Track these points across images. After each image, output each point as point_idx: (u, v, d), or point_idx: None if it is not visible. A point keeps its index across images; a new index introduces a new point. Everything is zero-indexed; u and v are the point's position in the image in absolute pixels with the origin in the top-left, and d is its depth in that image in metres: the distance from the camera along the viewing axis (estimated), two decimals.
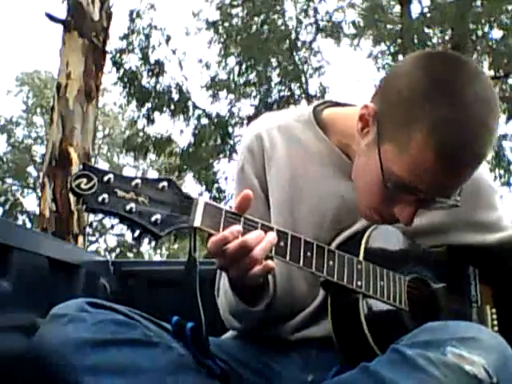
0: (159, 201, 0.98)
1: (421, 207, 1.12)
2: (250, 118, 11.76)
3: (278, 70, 11.98)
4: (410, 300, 1.20)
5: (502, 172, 11.50)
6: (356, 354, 1.03)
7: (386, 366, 0.97)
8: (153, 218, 0.96)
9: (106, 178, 0.95)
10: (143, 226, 0.96)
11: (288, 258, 1.08)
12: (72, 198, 5.90)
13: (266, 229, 1.06)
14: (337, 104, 1.36)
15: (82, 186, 0.94)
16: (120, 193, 0.96)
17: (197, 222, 1.00)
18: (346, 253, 1.16)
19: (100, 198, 0.94)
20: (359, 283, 1.14)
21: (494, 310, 1.32)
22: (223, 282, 1.24)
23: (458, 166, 1.06)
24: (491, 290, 1.34)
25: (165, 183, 0.99)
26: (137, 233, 0.98)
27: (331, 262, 1.13)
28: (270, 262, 1.05)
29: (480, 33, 10.74)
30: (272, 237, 1.05)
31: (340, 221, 1.26)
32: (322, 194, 1.27)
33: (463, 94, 1.04)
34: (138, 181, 0.97)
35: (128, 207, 0.95)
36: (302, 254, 1.09)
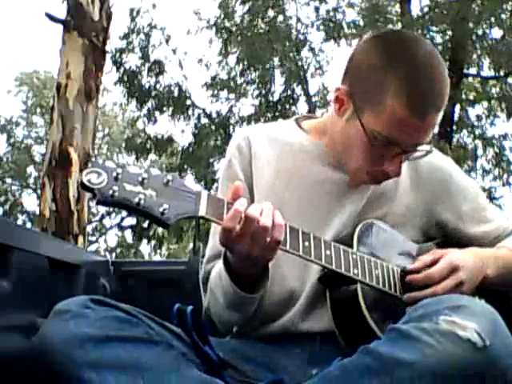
0: (165, 193, 1.05)
1: (404, 158, 1.29)
2: (251, 118, 11.77)
3: (279, 70, 11.98)
4: (403, 289, 1.26)
5: (501, 172, 11.50)
6: (360, 344, 1.05)
7: (382, 343, 1.01)
8: (161, 209, 1.03)
9: (114, 174, 1.02)
10: (153, 216, 1.03)
11: (288, 246, 1.14)
12: (72, 198, 5.91)
13: None
14: (311, 117, 1.54)
15: (93, 180, 1.01)
16: (128, 187, 1.02)
17: (202, 212, 1.08)
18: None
19: (110, 192, 1.00)
20: (356, 271, 1.21)
21: (483, 300, 1.35)
22: (220, 280, 1.26)
23: (426, 110, 1.24)
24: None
25: (169, 177, 1.07)
26: (146, 223, 1.04)
27: (328, 252, 1.19)
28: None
29: (480, 32, 10.73)
30: (267, 204, 1.13)
31: (323, 206, 1.35)
32: (307, 185, 1.36)
33: (414, 54, 1.26)
34: (145, 175, 1.04)
35: (137, 199, 1.02)
36: (300, 243, 1.16)
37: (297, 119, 1.50)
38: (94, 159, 1.06)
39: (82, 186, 1.01)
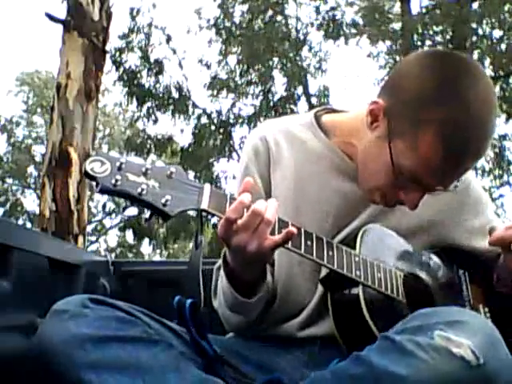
0: (168, 185, 1.05)
1: (424, 194, 1.21)
2: (251, 118, 11.77)
3: (279, 70, 11.98)
4: (406, 293, 1.24)
5: (501, 172, 11.50)
6: (360, 347, 1.04)
7: (375, 353, 0.99)
8: (163, 200, 1.03)
9: (118, 163, 1.02)
10: (154, 206, 1.03)
11: (290, 244, 1.13)
12: (72, 198, 5.91)
13: None
14: (333, 110, 1.44)
15: (96, 169, 1.01)
16: (131, 177, 1.02)
17: (204, 205, 1.08)
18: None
19: (113, 181, 1.01)
20: (358, 273, 1.19)
21: (486, 309, 1.35)
22: (222, 282, 1.26)
23: (463, 162, 1.17)
24: (482, 291, 1.38)
25: (173, 169, 1.06)
26: (148, 214, 1.05)
27: (330, 252, 1.18)
28: (290, 228, 1.11)
29: (480, 32, 10.73)
30: (273, 201, 1.11)
31: (341, 219, 1.31)
32: (324, 194, 1.32)
33: (467, 96, 1.14)
34: (148, 166, 1.04)
35: (139, 189, 1.02)
36: (302, 242, 1.15)
37: (317, 113, 1.41)
38: (97, 150, 1.05)
39: (85, 174, 1.01)
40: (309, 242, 1.16)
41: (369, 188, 1.26)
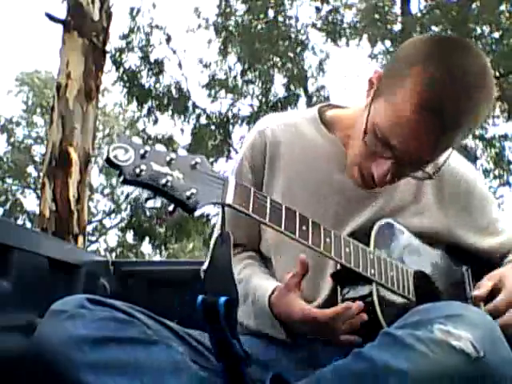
0: (192, 177, 1.00)
1: (397, 170, 1.18)
2: (250, 118, 11.77)
3: (279, 70, 11.98)
4: (415, 292, 1.25)
5: (501, 172, 11.50)
6: (368, 343, 1.04)
7: (376, 349, 0.99)
8: (188, 193, 0.98)
9: (142, 151, 0.96)
10: (179, 199, 0.98)
11: (310, 242, 1.12)
12: (72, 198, 5.90)
13: (289, 211, 1.12)
14: (338, 106, 1.43)
15: (120, 157, 0.95)
16: (156, 166, 0.97)
17: (229, 199, 1.04)
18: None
19: (137, 170, 0.95)
20: (372, 271, 1.19)
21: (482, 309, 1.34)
22: (257, 300, 1.27)
23: (433, 126, 1.11)
24: None
25: (198, 160, 1.02)
26: (171, 207, 1.00)
27: (347, 249, 1.17)
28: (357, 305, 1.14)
29: (479, 31, 10.73)
30: (350, 310, 1.14)
31: (341, 215, 1.32)
32: (325, 190, 1.32)
33: (454, 61, 1.11)
34: (173, 155, 0.99)
35: (164, 181, 0.97)
36: (322, 239, 1.14)
37: (321, 109, 1.41)
38: (120, 134, 0.99)
39: (108, 162, 0.96)
40: (328, 240, 1.15)
41: (349, 163, 1.26)
